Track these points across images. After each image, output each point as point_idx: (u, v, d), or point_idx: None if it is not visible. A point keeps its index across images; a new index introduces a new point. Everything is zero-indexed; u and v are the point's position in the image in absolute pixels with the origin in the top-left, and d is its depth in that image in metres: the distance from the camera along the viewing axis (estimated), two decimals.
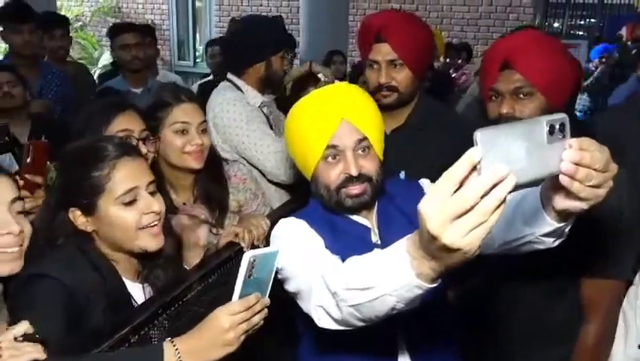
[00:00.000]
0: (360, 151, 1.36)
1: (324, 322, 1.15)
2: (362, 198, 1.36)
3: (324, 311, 1.13)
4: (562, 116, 0.79)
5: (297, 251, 1.28)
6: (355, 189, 1.35)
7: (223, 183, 1.89)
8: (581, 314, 1.55)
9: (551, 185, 0.88)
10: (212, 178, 1.85)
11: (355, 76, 3.55)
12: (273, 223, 1.57)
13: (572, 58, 1.53)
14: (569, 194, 0.84)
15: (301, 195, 2.37)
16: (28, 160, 1.61)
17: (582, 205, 0.86)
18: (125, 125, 1.64)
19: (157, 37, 4.04)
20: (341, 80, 5.08)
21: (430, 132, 1.84)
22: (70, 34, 4.00)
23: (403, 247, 0.87)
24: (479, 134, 0.72)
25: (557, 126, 0.78)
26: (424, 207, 0.76)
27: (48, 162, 1.62)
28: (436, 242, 0.76)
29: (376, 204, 1.44)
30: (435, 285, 0.87)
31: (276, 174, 2.18)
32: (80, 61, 6.81)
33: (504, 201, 0.72)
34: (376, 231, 1.42)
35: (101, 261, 1.30)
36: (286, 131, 1.48)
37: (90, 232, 1.31)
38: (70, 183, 1.31)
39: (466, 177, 0.73)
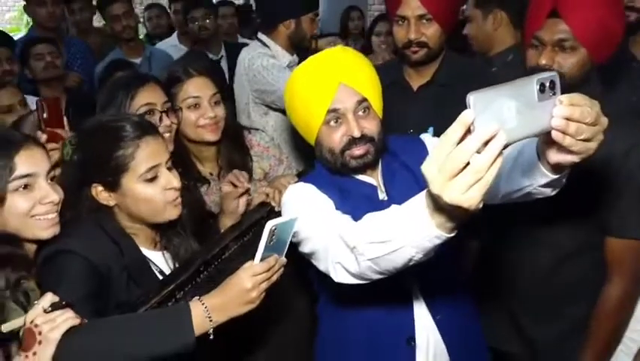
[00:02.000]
0: (360, 112, 1.41)
1: (341, 277, 1.22)
2: (366, 158, 1.42)
3: (342, 267, 1.20)
4: (552, 73, 0.83)
5: (310, 214, 1.35)
6: (359, 150, 1.40)
7: (245, 151, 1.95)
8: (599, 273, 1.56)
9: (545, 139, 0.92)
10: (234, 147, 1.91)
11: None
12: None
13: (622, 10, 1.46)
14: (562, 148, 0.87)
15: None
16: (45, 115, 1.70)
17: (574, 158, 0.89)
18: (148, 98, 1.69)
19: None
20: (359, 35, 5.05)
21: (456, 87, 1.83)
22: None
23: (423, 201, 0.93)
24: (472, 97, 0.76)
25: (547, 84, 0.82)
26: (424, 169, 0.82)
27: (64, 135, 1.70)
28: (440, 200, 0.81)
29: (380, 162, 1.49)
30: (453, 234, 0.93)
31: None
32: None
33: (499, 156, 0.75)
34: (383, 188, 1.48)
35: (119, 235, 1.38)
36: (286, 100, 1.53)
37: (112, 206, 1.39)
38: (91, 160, 1.37)
39: (463, 138, 0.76)
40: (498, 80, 0.83)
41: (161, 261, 1.47)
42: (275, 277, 1.27)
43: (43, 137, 1.63)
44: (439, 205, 0.86)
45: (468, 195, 0.77)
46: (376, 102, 1.45)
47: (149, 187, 1.36)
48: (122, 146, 1.33)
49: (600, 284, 1.56)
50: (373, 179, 1.49)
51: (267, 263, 1.23)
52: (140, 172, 1.34)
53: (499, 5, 2.37)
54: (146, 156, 1.35)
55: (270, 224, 1.19)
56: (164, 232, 1.49)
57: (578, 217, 1.53)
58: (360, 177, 1.48)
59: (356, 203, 1.40)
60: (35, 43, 2.87)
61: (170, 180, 1.38)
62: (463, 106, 0.77)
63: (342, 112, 1.40)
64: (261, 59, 2.35)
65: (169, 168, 1.40)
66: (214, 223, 1.73)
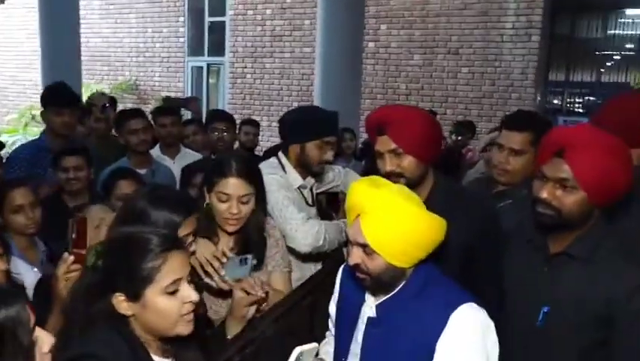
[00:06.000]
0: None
1: None
2: (364, 282, 1.50)
3: None
4: (313, 346, 1.44)
5: None
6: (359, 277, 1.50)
7: (263, 241, 2.09)
8: None
9: None
10: (254, 231, 2.07)
11: (370, 155, 3.66)
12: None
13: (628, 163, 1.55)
14: None
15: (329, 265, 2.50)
16: (74, 236, 1.67)
17: None
18: (190, 228, 1.76)
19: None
20: (351, 155, 5.31)
21: (448, 215, 1.70)
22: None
23: None
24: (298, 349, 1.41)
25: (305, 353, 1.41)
26: None
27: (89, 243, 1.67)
28: None
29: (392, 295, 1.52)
30: None
31: (300, 243, 2.29)
32: None
33: None
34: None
35: (136, 344, 1.37)
36: None
37: (128, 316, 1.39)
38: (118, 269, 1.39)
39: None
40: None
41: None
42: None
43: (70, 258, 1.62)
44: None
45: None
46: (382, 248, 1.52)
47: (169, 300, 1.37)
48: (150, 258, 1.36)
49: None
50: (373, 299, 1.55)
51: None
52: (164, 285, 1.36)
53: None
54: (172, 269, 1.38)
55: (297, 350, 1.33)
56: (173, 342, 1.48)
57: (581, 354, 1.56)
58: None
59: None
60: (66, 154, 3.01)
61: (190, 293, 1.40)
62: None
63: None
64: (277, 192, 2.36)
65: (188, 282, 1.43)
66: (219, 327, 1.74)
